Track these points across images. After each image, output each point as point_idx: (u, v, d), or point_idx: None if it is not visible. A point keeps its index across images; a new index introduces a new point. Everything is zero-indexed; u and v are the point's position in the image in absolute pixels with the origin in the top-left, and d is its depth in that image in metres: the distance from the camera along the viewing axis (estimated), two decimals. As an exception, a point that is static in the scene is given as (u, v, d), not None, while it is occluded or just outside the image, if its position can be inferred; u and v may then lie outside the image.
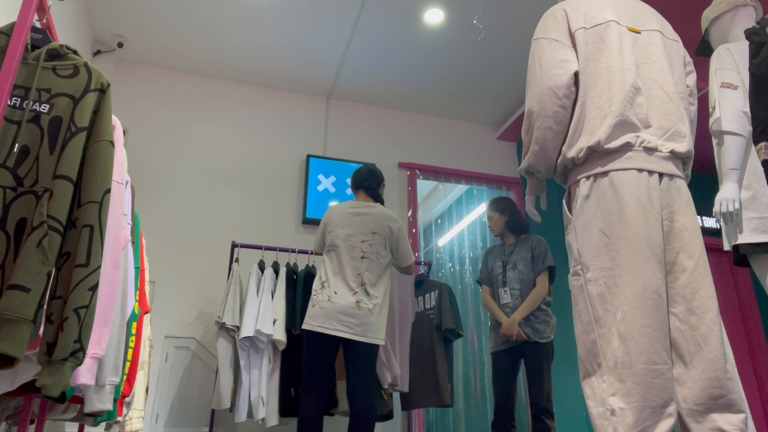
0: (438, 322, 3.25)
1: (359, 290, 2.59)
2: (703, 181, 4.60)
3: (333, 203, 4.24)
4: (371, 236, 2.70)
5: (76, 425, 3.15)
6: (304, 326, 2.56)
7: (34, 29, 1.54)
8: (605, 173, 1.50)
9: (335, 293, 2.58)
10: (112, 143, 1.48)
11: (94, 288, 1.32)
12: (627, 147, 1.50)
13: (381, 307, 2.60)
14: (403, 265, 2.81)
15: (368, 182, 2.89)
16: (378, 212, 2.78)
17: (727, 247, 2.15)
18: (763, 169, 1.86)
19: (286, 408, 3.07)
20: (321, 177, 4.33)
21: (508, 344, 2.99)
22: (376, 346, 2.57)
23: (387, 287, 2.68)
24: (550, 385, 2.90)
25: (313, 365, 2.54)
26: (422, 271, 3.90)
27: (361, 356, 2.53)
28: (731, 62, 2.15)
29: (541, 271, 3.02)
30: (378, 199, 2.91)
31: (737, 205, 2.02)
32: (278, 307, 3.14)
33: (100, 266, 1.35)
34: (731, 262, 4.77)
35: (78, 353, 1.27)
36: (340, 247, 2.67)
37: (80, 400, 1.76)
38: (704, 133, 4.14)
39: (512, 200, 3.31)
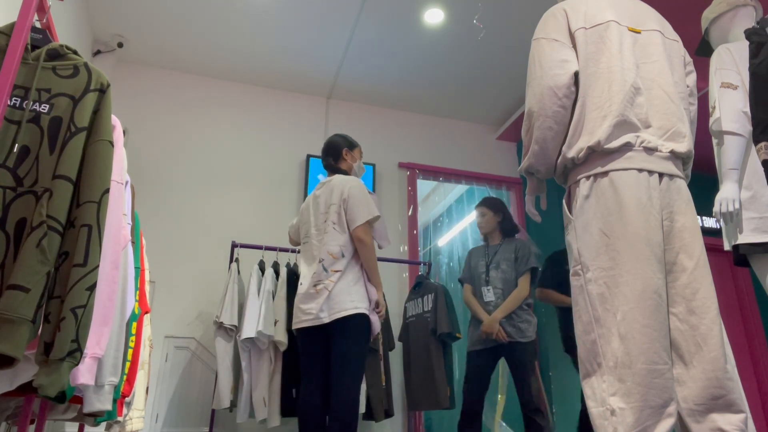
0: (434, 326, 3.25)
1: (317, 269, 2.39)
2: (703, 181, 4.59)
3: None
4: (328, 210, 2.51)
5: (76, 425, 3.15)
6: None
7: (34, 29, 1.54)
8: (605, 173, 1.50)
9: (301, 284, 2.45)
10: (111, 143, 1.48)
11: (92, 288, 1.32)
12: (627, 147, 1.50)
13: (344, 275, 2.37)
14: (351, 226, 2.44)
15: (326, 160, 2.72)
16: (332, 183, 2.58)
17: (727, 247, 2.15)
18: (763, 169, 1.85)
19: (287, 408, 3.07)
20: (321, 177, 4.33)
21: (486, 344, 2.99)
22: (349, 319, 2.31)
23: (353, 256, 2.44)
24: (539, 384, 2.92)
25: (301, 359, 2.45)
26: (422, 272, 3.90)
27: (337, 337, 2.32)
28: (731, 62, 2.14)
29: (524, 272, 3.06)
30: (339, 172, 2.68)
31: (737, 205, 2.02)
32: (279, 308, 3.14)
33: (98, 266, 1.35)
34: (731, 262, 4.76)
35: (75, 353, 1.27)
36: (311, 237, 2.53)
37: (80, 400, 1.76)
38: (704, 133, 4.13)
39: (505, 203, 3.39)
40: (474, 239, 4.85)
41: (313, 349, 2.42)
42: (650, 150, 1.51)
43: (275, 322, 3.09)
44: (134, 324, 2.22)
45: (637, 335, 1.33)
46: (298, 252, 3.55)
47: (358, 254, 2.46)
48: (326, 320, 2.33)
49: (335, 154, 2.70)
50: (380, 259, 3.06)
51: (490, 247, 3.26)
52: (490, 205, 3.34)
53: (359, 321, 2.35)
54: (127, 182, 1.97)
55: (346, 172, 2.69)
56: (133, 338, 2.18)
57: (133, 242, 2.05)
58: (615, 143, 1.49)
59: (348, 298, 2.34)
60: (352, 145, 2.74)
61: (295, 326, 2.45)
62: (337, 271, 2.38)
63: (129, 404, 2.44)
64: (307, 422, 2.34)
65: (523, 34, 3.89)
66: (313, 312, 2.34)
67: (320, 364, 2.42)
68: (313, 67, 4.33)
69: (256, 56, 4.22)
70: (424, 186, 5.23)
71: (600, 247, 1.45)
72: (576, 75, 1.60)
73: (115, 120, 1.59)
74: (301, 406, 2.38)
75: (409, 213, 4.50)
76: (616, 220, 1.44)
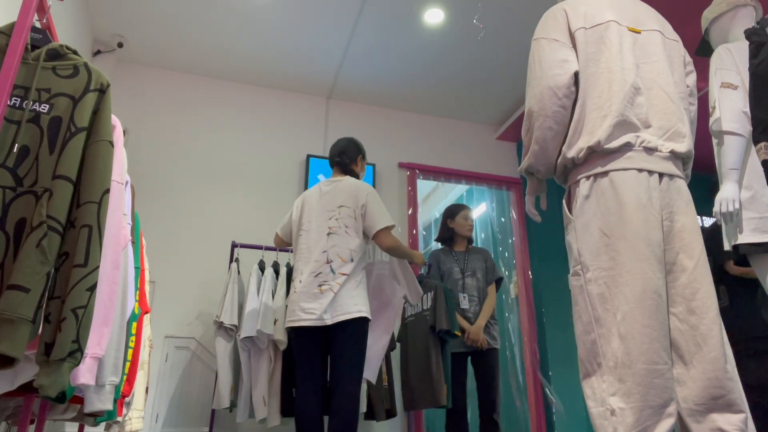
0: (433, 323, 3.26)
1: (324, 270, 2.40)
2: (703, 181, 4.59)
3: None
4: (338, 210, 2.52)
5: (76, 425, 3.15)
6: (285, 326, 2.46)
7: (34, 29, 1.54)
8: (605, 173, 1.50)
9: (300, 282, 2.44)
10: (111, 143, 1.48)
11: (93, 288, 1.32)
12: (627, 147, 1.50)
13: (349, 279, 2.40)
14: (369, 232, 2.50)
15: (340, 158, 2.73)
16: (345, 184, 2.60)
17: (727, 247, 2.15)
18: (763, 169, 1.86)
19: (287, 408, 3.07)
20: (321, 177, 4.33)
21: (466, 348, 3.13)
22: (351, 322, 2.34)
23: (360, 261, 2.48)
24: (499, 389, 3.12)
25: (298, 358, 2.42)
26: (422, 272, 3.90)
27: (338, 339, 2.35)
28: (731, 62, 2.14)
29: (492, 281, 3.27)
30: (352, 174, 2.73)
31: (737, 205, 2.02)
32: (279, 307, 3.14)
33: (98, 266, 1.35)
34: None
35: (76, 353, 1.27)
36: (310, 231, 2.53)
37: (80, 400, 1.76)
38: (704, 133, 4.14)
39: None
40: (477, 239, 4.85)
41: (313, 348, 2.42)
42: (650, 150, 1.51)
43: (275, 321, 3.09)
44: (134, 324, 2.22)
45: (637, 335, 1.33)
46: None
47: (364, 260, 2.53)
48: (329, 322, 2.34)
49: (352, 157, 2.75)
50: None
51: (458, 253, 3.37)
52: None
53: (361, 324, 2.39)
54: (127, 182, 1.97)
55: (357, 176, 2.76)
56: (133, 338, 2.18)
57: (133, 242, 2.05)
58: (615, 143, 1.49)
59: (351, 301, 2.38)
60: (364, 157, 2.83)
61: (293, 324, 2.42)
62: (344, 274, 2.40)
63: (129, 404, 2.44)
64: (305, 422, 2.33)
65: (523, 34, 3.89)
66: (316, 312, 2.35)
67: (319, 364, 2.42)
68: (313, 67, 4.33)
69: (256, 56, 4.22)
70: (424, 186, 5.23)
71: (600, 247, 1.45)
72: (576, 75, 1.60)
73: (115, 120, 1.59)
74: (299, 405, 2.37)
75: (409, 213, 4.50)
76: (616, 220, 1.44)
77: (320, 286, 2.39)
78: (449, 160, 4.84)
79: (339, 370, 2.33)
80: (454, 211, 3.49)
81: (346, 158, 2.73)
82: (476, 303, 3.20)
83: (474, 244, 3.53)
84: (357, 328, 2.37)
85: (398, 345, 3.66)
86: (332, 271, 2.41)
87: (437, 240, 3.56)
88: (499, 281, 3.32)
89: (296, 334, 2.44)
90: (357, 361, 2.35)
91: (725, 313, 2.98)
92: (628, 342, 1.33)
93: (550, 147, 1.61)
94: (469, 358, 3.24)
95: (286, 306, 3.11)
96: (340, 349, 2.35)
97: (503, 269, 4.70)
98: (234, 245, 3.50)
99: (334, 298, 2.36)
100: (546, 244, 4.44)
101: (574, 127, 1.57)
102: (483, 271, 3.28)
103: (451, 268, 3.30)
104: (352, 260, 2.44)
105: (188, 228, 3.96)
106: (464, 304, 3.20)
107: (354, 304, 2.37)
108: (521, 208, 4.81)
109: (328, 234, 2.49)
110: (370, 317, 2.43)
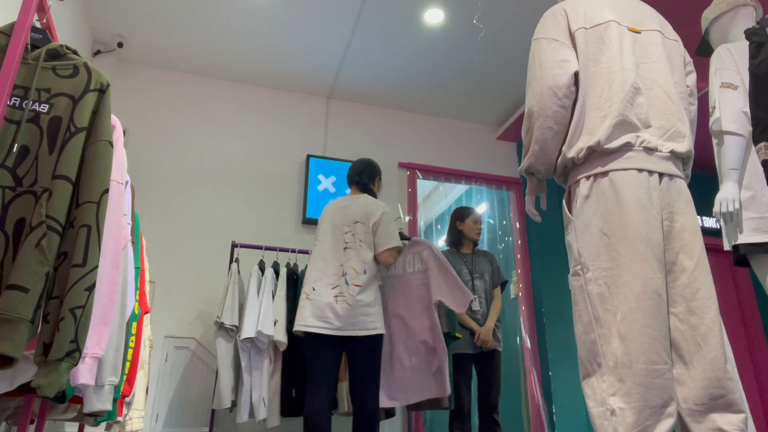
0: (433, 326, 3.27)
1: (340, 282, 2.51)
2: (703, 181, 4.59)
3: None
4: (353, 226, 2.64)
5: (76, 425, 3.15)
6: (294, 329, 2.53)
7: (34, 29, 1.54)
8: (605, 173, 1.50)
9: (313, 289, 2.52)
10: (111, 143, 1.48)
11: (91, 288, 1.32)
12: (627, 147, 1.50)
13: (364, 290, 2.49)
14: (375, 249, 2.60)
15: (359, 177, 2.85)
16: (362, 201, 2.72)
17: (727, 247, 2.15)
18: (763, 169, 1.85)
19: (287, 408, 3.07)
20: (321, 177, 4.33)
21: (475, 349, 3.16)
22: (369, 338, 2.46)
23: (375, 275, 2.57)
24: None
25: (311, 364, 2.49)
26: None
27: (358, 354, 2.46)
28: (731, 62, 2.14)
29: (498, 284, 3.37)
30: (370, 194, 2.85)
31: (737, 205, 2.02)
32: (279, 308, 3.14)
33: (97, 266, 1.35)
34: (731, 262, 4.76)
35: (74, 353, 1.27)
36: (325, 242, 2.64)
37: (80, 400, 1.76)
38: (704, 133, 4.14)
39: None
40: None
41: (329, 355, 2.48)
42: (650, 150, 1.51)
43: (275, 322, 3.09)
44: (134, 324, 2.22)
45: (637, 335, 1.33)
46: (297, 252, 3.56)
47: (378, 274, 2.63)
48: (344, 333, 2.43)
49: (371, 177, 2.87)
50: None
51: (465, 255, 3.41)
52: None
53: (379, 340, 2.53)
54: (127, 182, 1.97)
55: (374, 195, 2.87)
56: (133, 338, 2.18)
57: (133, 242, 2.05)
58: (615, 143, 1.49)
59: (369, 318, 2.48)
60: (381, 177, 2.95)
61: (307, 329, 2.46)
62: (357, 286, 2.50)
63: (129, 404, 2.44)
64: (316, 427, 2.37)
65: (523, 34, 3.89)
66: (331, 321, 2.44)
67: (333, 371, 2.49)
68: (313, 67, 4.33)
69: (257, 56, 4.22)
70: (424, 186, 5.23)
71: (600, 247, 1.45)
72: (576, 75, 1.60)
73: (115, 120, 1.59)
74: (310, 411, 2.41)
75: (409, 213, 4.50)
76: (616, 220, 1.44)
77: (336, 297, 2.48)
78: (449, 160, 4.84)
79: (364, 384, 2.45)
80: (463, 214, 3.49)
81: (365, 178, 2.85)
82: (485, 305, 3.28)
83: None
84: (376, 343, 2.50)
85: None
86: (347, 283, 2.51)
87: (446, 242, 3.56)
88: (504, 284, 3.40)
89: (311, 339, 2.50)
90: (376, 376, 2.50)
91: None
92: (628, 342, 1.33)
93: (550, 147, 1.61)
94: (479, 361, 3.26)
95: (292, 308, 3.15)
96: (364, 364, 2.46)
97: (503, 269, 4.70)
98: (234, 245, 3.50)
99: (350, 310, 2.45)
100: (546, 244, 4.44)
101: (574, 127, 1.57)
102: (490, 273, 3.36)
103: (460, 269, 3.34)
104: (365, 272, 2.54)
105: (188, 228, 3.96)
106: (475, 305, 3.26)
107: (372, 321, 2.48)
108: (521, 208, 4.81)
109: (345, 249, 2.59)
110: (384, 332, 2.56)
